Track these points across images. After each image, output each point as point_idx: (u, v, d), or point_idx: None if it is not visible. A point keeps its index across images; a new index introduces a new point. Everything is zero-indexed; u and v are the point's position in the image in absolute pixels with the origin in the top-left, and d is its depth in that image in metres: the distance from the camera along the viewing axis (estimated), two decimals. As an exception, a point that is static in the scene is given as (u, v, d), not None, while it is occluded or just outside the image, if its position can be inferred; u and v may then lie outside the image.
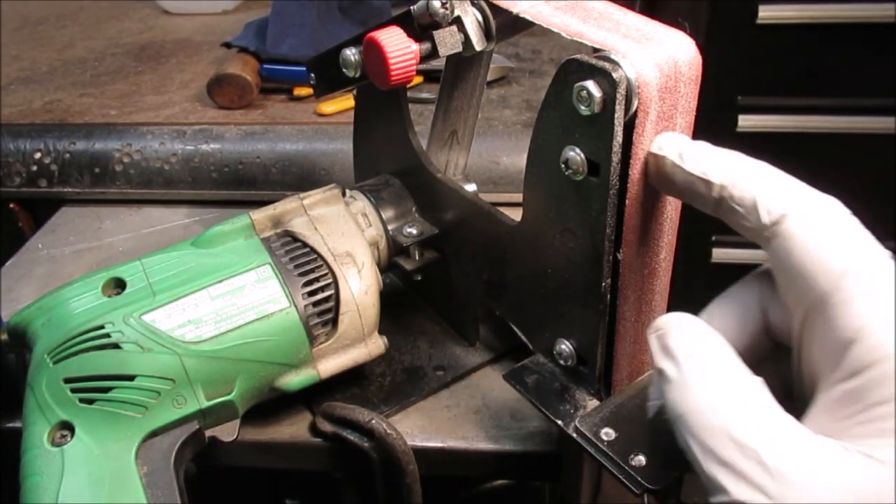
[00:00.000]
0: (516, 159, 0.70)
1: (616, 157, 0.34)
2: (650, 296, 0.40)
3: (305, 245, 0.45)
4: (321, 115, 0.76)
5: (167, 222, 0.71)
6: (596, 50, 0.35)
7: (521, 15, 0.39)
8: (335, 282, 0.44)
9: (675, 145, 0.34)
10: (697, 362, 0.29)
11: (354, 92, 0.56)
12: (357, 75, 0.46)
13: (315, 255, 0.45)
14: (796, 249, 0.29)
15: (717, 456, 0.27)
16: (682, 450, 0.29)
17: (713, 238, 1.19)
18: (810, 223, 0.29)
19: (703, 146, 0.34)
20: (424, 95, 0.79)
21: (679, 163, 0.33)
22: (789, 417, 0.27)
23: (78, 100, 0.82)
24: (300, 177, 0.72)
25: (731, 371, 0.29)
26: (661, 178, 0.34)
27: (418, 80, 0.83)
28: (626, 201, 0.36)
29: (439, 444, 0.46)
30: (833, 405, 0.27)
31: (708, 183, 0.32)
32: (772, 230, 0.30)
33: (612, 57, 0.33)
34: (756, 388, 0.28)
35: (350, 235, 0.46)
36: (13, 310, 0.45)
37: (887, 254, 0.28)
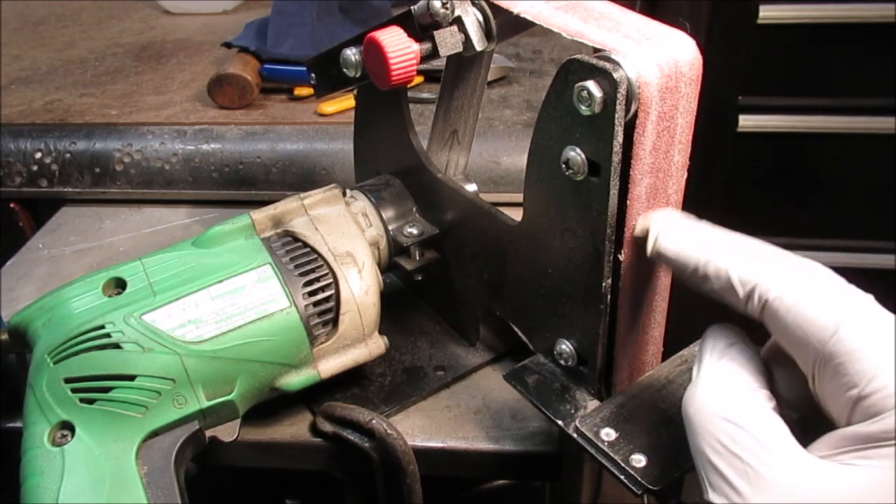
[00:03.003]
0: (517, 159, 0.70)
1: (616, 158, 0.34)
2: (651, 296, 0.40)
3: (306, 245, 0.45)
4: (322, 115, 0.76)
5: (168, 222, 0.71)
6: (596, 50, 0.35)
7: (522, 15, 0.39)
8: (336, 282, 0.44)
9: (656, 224, 0.35)
10: (717, 369, 0.31)
11: (355, 92, 0.56)
12: (357, 75, 0.46)
13: (315, 255, 0.45)
14: (784, 323, 0.30)
15: (706, 457, 0.29)
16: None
17: (713, 238, 1.19)
18: (790, 294, 0.30)
19: (682, 224, 0.35)
20: (425, 95, 0.79)
21: (658, 244, 0.34)
22: (784, 432, 0.29)
23: (78, 100, 0.82)
24: (300, 177, 0.72)
25: (741, 381, 0.31)
26: (651, 255, 0.35)
27: (419, 80, 0.83)
28: (627, 202, 0.36)
29: (440, 445, 0.46)
30: (839, 441, 0.28)
31: (684, 263, 0.33)
32: (755, 307, 0.31)
33: (613, 57, 0.33)
34: (759, 401, 0.30)
35: (350, 235, 0.46)
36: (13, 310, 0.45)
37: (868, 299, 0.30)
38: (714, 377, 0.31)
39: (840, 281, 0.30)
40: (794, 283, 0.30)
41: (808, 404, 0.31)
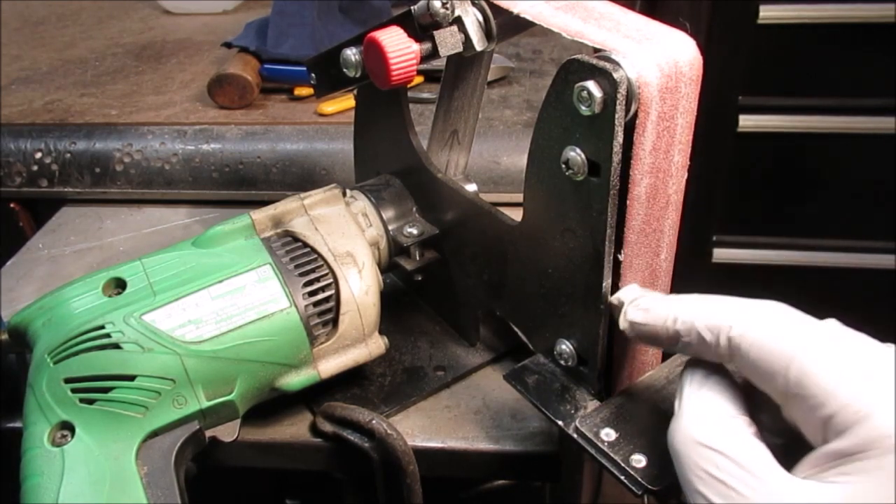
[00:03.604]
0: (517, 159, 0.70)
1: (616, 158, 0.34)
2: (651, 296, 0.40)
3: (306, 245, 0.45)
4: (322, 114, 0.76)
5: (168, 222, 0.71)
6: (597, 50, 0.35)
7: (522, 15, 0.39)
8: (336, 282, 0.44)
9: (626, 299, 0.37)
10: (697, 399, 0.32)
11: (355, 92, 0.56)
12: (358, 75, 0.46)
13: (315, 255, 0.45)
14: (749, 359, 0.31)
15: (693, 486, 0.30)
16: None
17: (714, 238, 1.19)
18: (751, 331, 0.31)
19: (648, 295, 0.37)
20: (425, 95, 0.79)
21: (627, 316, 0.36)
22: (765, 455, 0.30)
23: (79, 100, 0.82)
24: (301, 177, 0.72)
25: (720, 409, 0.32)
26: (623, 327, 0.37)
27: (419, 80, 0.83)
28: (627, 202, 0.36)
29: (440, 445, 0.46)
30: (817, 460, 0.29)
31: (654, 327, 0.35)
32: (724, 351, 0.32)
33: (613, 57, 0.33)
34: (738, 427, 0.31)
35: (350, 235, 0.46)
36: (13, 310, 0.45)
37: (827, 324, 0.31)
38: (694, 407, 0.32)
39: (798, 314, 0.31)
40: (754, 320, 0.31)
41: (790, 431, 0.31)
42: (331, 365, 0.44)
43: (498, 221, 0.45)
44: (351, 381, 0.49)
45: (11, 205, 0.76)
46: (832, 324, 0.31)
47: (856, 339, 0.30)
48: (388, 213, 0.51)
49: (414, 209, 0.52)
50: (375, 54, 0.42)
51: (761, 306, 0.32)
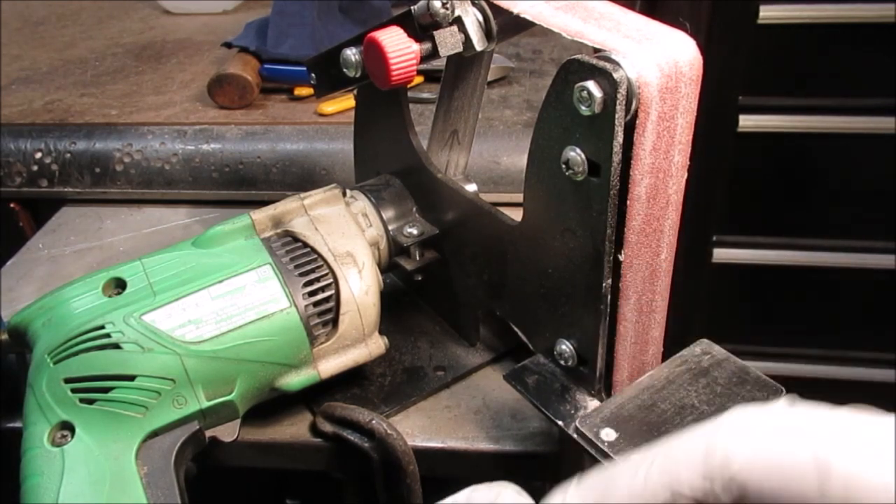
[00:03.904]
0: (517, 159, 0.70)
1: (617, 158, 0.34)
2: (651, 296, 0.40)
3: (306, 245, 0.45)
4: (322, 114, 0.76)
5: (168, 222, 0.71)
6: (597, 50, 0.35)
7: (522, 15, 0.39)
8: (336, 282, 0.44)
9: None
10: None
11: (355, 92, 0.56)
12: (358, 75, 0.46)
13: (315, 256, 0.45)
14: (764, 490, 0.22)
15: None
16: None
17: (714, 238, 1.19)
18: (753, 453, 0.22)
19: (581, 487, 0.27)
20: (425, 95, 0.79)
21: None
22: None
23: (78, 100, 0.82)
24: (301, 177, 0.72)
25: None
26: None
27: (419, 80, 0.83)
28: (627, 202, 0.36)
29: (440, 445, 0.46)
30: None
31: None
32: (730, 494, 0.23)
33: (613, 57, 0.33)
34: None
35: (350, 235, 0.46)
36: (13, 310, 0.45)
37: (835, 417, 0.22)
38: None
39: (793, 413, 0.23)
40: (745, 437, 0.23)
41: None
42: (331, 365, 0.44)
43: (498, 221, 0.45)
44: (351, 381, 0.49)
45: (11, 205, 0.76)
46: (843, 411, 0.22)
47: None
48: (388, 213, 0.51)
49: (414, 209, 0.52)
50: (375, 54, 0.42)
51: (736, 419, 0.23)
